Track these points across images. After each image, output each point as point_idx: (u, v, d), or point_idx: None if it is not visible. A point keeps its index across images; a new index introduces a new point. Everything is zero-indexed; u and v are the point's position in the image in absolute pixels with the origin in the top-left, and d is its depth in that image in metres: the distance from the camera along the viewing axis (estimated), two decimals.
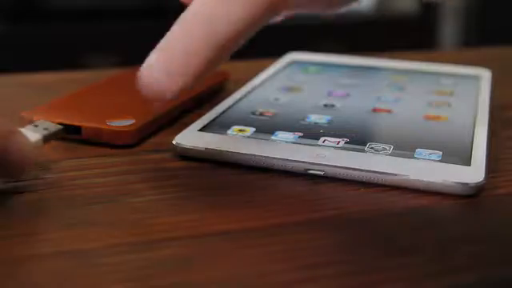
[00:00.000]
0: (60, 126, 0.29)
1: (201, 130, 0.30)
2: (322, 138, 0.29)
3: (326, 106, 0.34)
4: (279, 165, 0.27)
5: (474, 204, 0.25)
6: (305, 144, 0.29)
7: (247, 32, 0.24)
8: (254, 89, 0.37)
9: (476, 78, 0.40)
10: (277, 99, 0.35)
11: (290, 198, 0.25)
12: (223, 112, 0.33)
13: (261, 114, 0.33)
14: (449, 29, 1.65)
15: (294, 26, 1.50)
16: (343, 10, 0.29)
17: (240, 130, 0.30)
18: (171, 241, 0.21)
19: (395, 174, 0.26)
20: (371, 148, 0.28)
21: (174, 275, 0.19)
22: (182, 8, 0.25)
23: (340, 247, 0.21)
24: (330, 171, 0.26)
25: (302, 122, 0.32)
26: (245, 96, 0.35)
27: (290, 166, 0.27)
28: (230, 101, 0.34)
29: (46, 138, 0.28)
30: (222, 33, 0.24)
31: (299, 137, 0.30)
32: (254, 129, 0.30)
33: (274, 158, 0.27)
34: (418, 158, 0.27)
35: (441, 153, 0.28)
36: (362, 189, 0.26)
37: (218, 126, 0.31)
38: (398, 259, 0.20)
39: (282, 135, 0.30)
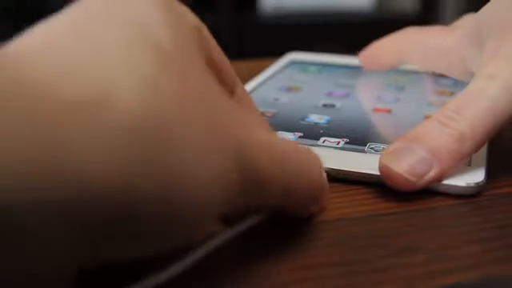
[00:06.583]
0: None
1: None
2: (322, 138, 0.29)
3: (325, 105, 0.34)
4: None
5: (474, 204, 0.25)
6: (305, 144, 0.29)
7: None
8: (254, 89, 0.37)
9: None
10: (277, 99, 0.35)
11: None
12: None
13: (261, 114, 0.33)
14: None
15: (294, 26, 1.50)
16: None
17: None
18: None
19: None
20: (371, 148, 0.28)
21: None
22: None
23: (340, 247, 0.21)
24: (330, 171, 0.26)
25: (302, 122, 0.32)
26: None
27: None
28: None
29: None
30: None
31: (299, 137, 0.30)
32: None
33: None
34: None
35: None
36: (362, 189, 0.26)
37: None
38: (398, 259, 0.20)
39: (281, 135, 0.30)
